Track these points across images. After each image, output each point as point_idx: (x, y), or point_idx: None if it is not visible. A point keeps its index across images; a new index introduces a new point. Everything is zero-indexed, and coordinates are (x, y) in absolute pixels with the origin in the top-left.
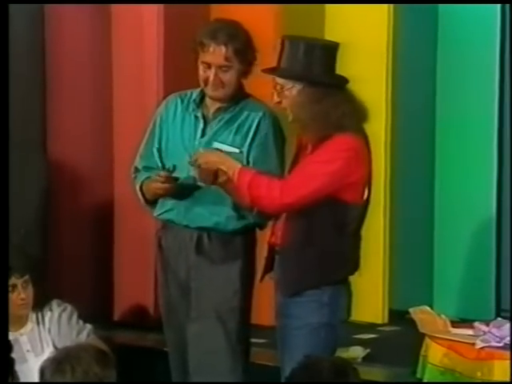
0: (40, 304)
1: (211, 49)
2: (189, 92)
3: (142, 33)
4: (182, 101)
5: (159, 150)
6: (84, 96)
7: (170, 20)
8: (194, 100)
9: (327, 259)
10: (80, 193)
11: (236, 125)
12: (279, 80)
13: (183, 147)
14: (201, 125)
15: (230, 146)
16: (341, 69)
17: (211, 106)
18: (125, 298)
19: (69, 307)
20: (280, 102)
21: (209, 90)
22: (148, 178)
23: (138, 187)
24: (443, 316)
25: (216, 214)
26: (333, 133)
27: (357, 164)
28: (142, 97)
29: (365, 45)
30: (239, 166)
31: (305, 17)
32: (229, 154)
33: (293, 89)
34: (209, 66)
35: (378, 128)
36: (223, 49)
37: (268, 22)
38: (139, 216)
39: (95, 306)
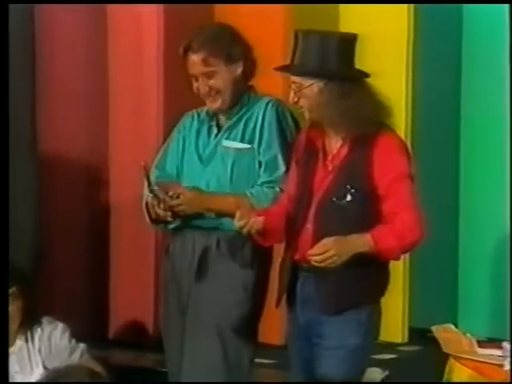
0: (29, 321)
1: (189, 59)
2: (204, 108)
3: (140, 35)
4: (199, 115)
5: (177, 159)
6: (78, 98)
7: (170, 21)
8: (208, 112)
9: (368, 275)
10: (73, 200)
11: (243, 121)
12: (296, 78)
13: (197, 154)
14: (214, 132)
15: (241, 142)
16: (358, 63)
17: (222, 116)
18: (121, 314)
19: (60, 325)
20: (297, 102)
21: (208, 103)
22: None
23: (143, 204)
24: (469, 335)
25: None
26: (372, 131)
27: None
28: (140, 99)
29: (383, 38)
30: (367, 236)
31: (317, 10)
32: (240, 150)
33: (313, 87)
34: (195, 77)
35: (398, 126)
36: (198, 56)
37: (278, 20)
38: (138, 226)
39: (89, 324)
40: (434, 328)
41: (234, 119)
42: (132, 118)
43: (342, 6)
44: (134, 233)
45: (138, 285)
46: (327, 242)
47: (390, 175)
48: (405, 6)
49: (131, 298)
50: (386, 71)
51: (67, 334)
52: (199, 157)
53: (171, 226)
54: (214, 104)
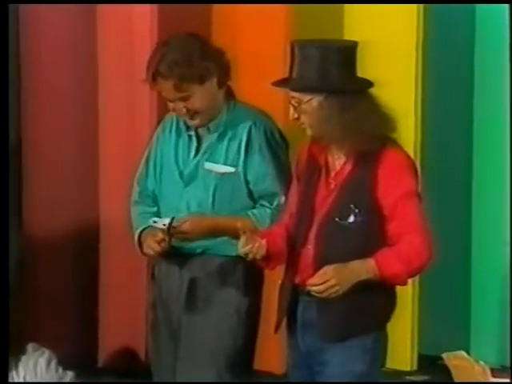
0: (13, 348)
1: (160, 84)
2: None
3: (131, 36)
4: (178, 120)
5: (154, 173)
6: (66, 102)
7: (164, 22)
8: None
9: (373, 299)
10: (60, 220)
11: (226, 141)
12: (294, 93)
13: (176, 168)
14: (194, 144)
15: (223, 165)
16: (363, 72)
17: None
18: (111, 340)
19: (47, 352)
20: (298, 118)
21: (187, 120)
22: (148, 227)
23: (136, 235)
24: (482, 363)
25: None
26: (377, 146)
27: None
28: (131, 102)
29: (390, 44)
30: (371, 262)
31: (321, 12)
32: (223, 174)
33: (312, 101)
34: (169, 100)
35: (407, 138)
36: (169, 83)
37: (278, 24)
38: (128, 248)
39: (77, 350)
40: (444, 355)
41: (216, 135)
42: (124, 123)
43: (347, 8)
44: (125, 254)
45: (129, 309)
46: (327, 270)
47: (395, 194)
48: (414, 6)
49: (122, 324)
50: (393, 79)
51: (54, 362)
52: (180, 174)
53: None
54: (193, 122)
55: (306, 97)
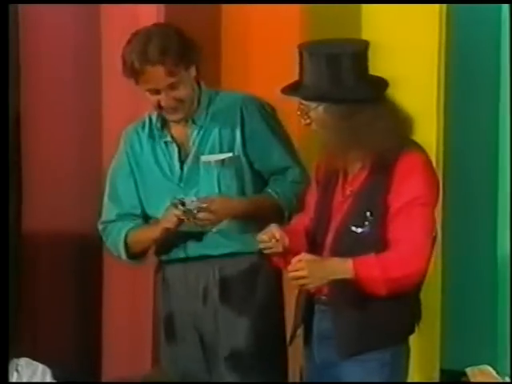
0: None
1: (147, 73)
2: (146, 118)
3: None
4: (143, 128)
5: (136, 189)
6: (68, 114)
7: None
8: (156, 125)
9: (393, 311)
10: (61, 229)
11: (217, 129)
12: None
13: (165, 179)
14: (175, 149)
15: (220, 152)
16: (383, 72)
17: (177, 125)
18: (115, 355)
19: (40, 367)
20: (310, 124)
21: (167, 115)
22: (134, 227)
23: (122, 238)
24: (508, 379)
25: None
26: (388, 154)
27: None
28: (137, 114)
29: (411, 46)
30: (349, 262)
31: (336, 16)
32: (222, 160)
33: (318, 108)
34: (155, 91)
35: (429, 141)
36: (160, 69)
37: (292, 26)
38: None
39: (78, 365)
40: (468, 370)
41: (204, 127)
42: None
43: (365, 8)
44: (131, 273)
45: (134, 325)
46: (303, 258)
47: (401, 200)
48: (436, 6)
49: (126, 337)
50: (414, 82)
51: (49, 377)
52: (169, 179)
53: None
54: (176, 116)
55: (313, 104)
